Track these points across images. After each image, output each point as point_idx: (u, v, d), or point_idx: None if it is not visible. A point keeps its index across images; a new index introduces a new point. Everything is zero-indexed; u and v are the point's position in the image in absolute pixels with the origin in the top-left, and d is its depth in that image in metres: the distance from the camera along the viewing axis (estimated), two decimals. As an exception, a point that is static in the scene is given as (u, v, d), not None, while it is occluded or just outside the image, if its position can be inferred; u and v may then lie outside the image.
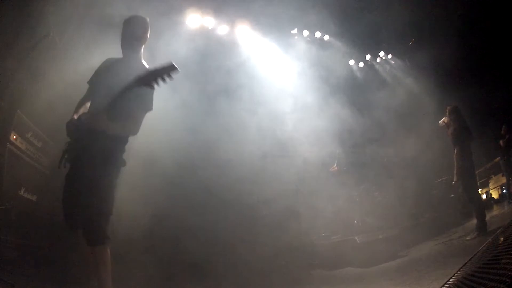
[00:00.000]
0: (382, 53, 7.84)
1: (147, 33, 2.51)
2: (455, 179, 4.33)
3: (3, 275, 2.64)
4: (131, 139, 2.41)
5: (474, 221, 4.34)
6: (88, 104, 2.41)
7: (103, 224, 2.26)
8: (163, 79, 2.03)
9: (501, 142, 6.15)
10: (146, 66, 2.46)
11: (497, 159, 7.52)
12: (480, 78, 6.69)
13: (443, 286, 2.15)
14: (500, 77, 6.41)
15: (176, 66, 2.00)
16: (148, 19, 2.52)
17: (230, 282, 4.05)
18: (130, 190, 4.24)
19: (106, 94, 2.15)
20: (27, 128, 3.75)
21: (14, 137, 3.49)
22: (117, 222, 4.44)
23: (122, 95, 2.10)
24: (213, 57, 6.11)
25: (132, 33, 2.42)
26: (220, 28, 6.24)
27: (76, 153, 2.29)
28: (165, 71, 2.02)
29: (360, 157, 6.99)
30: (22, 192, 3.56)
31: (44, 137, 4.08)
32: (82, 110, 2.39)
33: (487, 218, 4.25)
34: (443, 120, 4.61)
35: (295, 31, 6.94)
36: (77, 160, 2.28)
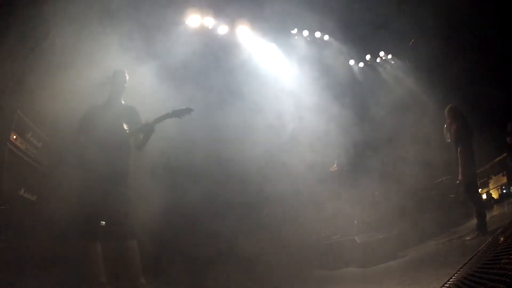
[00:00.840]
0: (382, 53, 7.85)
1: None
2: (459, 178, 4.22)
3: (3, 275, 2.64)
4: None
5: (474, 221, 4.34)
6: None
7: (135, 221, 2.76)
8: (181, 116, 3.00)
9: (508, 139, 6.11)
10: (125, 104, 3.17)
11: (497, 159, 7.53)
12: (481, 77, 6.69)
13: (443, 286, 2.15)
14: (501, 76, 6.40)
15: (191, 108, 2.99)
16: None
17: (230, 282, 4.06)
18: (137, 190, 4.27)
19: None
20: (27, 128, 3.75)
21: (14, 137, 3.49)
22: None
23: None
24: (213, 57, 6.12)
25: (123, 83, 3.20)
26: (220, 28, 6.24)
27: None
28: (185, 112, 3.01)
29: (360, 157, 6.99)
30: (22, 192, 3.56)
31: (44, 137, 4.08)
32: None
33: (487, 218, 4.25)
34: (446, 125, 4.53)
35: (295, 31, 6.94)
36: None
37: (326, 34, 7.09)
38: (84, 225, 2.66)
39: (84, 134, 2.99)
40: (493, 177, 8.46)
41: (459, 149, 4.21)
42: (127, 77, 3.24)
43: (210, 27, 6.16)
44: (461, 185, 4.35)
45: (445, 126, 4.53)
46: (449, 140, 4.38)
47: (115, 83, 3.17)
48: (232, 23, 6.26)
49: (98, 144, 2.85)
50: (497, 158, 7.58)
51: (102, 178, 2.76)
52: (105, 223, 2.63)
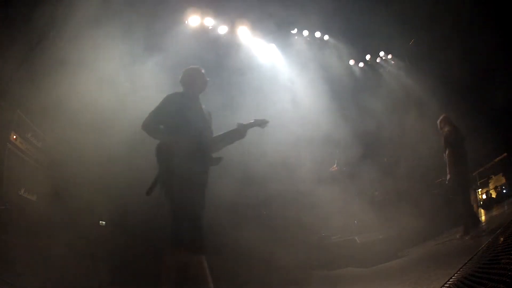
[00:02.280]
0: (382, 53, 7.85)
1: None
2: (448, 178, 4.46)
3: (3, 275, 2.64)
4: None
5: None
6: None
7: None
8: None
9: None
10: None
11: (497, 159, 7.52)
12: (481, 77, 6.69)
13: (443, 286, 2.15)
14: (501, 76, 6.40)
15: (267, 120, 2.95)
16: None
17: (229, 282, 4.05)
18: (137, 190, 4.26)
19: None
20: (27, 128, 3.75)
21: (14, 137, 3.49)
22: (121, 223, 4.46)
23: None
24: (213, 57, 6.11)
25: (199, 81, 2.87)
26: (220, 28, 6.24)
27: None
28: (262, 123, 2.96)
29: (360, 157, 6.99)
30: (22, 192, 3.55)
31: (44, 137, 4.08)
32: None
33: (487, 218, 4.27)
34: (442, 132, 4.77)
35: (295, 31, 6.94)
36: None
37: (326, 34, 7.09)
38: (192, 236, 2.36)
39: (168, 125, 2.59)
40: (493, 177, 8.44)
41: (447, 152, 4.44)
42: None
43: (210, 27, 6.16)
44: (450, 184, 4.53)
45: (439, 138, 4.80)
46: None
47: (195, 81, 2.83)
48: (232, 23, 6.26)
49: (191, 144, 2.49)
50: (497, 158, 7.57)
51: (202, 192, 2.53)
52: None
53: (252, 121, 2.92)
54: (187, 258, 2.32)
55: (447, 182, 4.58)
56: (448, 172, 4.43)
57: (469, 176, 4.81)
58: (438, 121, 4.80)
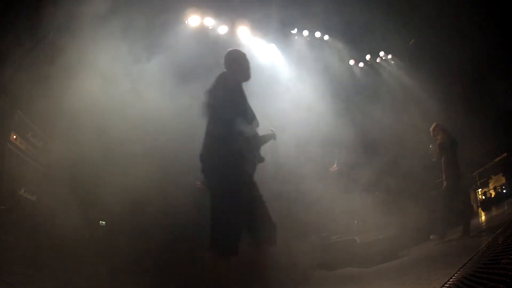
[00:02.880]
0: (382, 53, 7.84)
1: None
2: (444, 184, 4.72)
3: (3, 275, 2.64)
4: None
5: (475, 221, 4.38)
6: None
7: None
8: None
9: None
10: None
11: (497, 159, 7.51)
12: (481, 77, 6.69)
13: (443, 286, 2.15)
14: (501, 77, 6.40)
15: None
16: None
17: (229, 282, 4.05)
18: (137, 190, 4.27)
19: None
20: (27, 128, 3.75)
21: (14, 137, 3.49)
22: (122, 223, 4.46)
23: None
24: (213, 57, 6.10)
25: (247, 66, 2.67)
26: (220, 28, 6.24)
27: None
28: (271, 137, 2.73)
29: (360, 157, 6.98)
30: (22, 192, 3.56)
31: (44, 137, 4.08)
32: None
33: (487, 218, 4.29)
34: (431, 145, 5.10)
35: (295, 31, 6.94)
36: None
37: (326, 34, 7.08)
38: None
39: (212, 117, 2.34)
40: (493, 177, 8.45)
41: (443, 159, 4.69)
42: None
43: (210, 27, 6.16)
44: (446, 190, 4.76)
45: (430, 145, 5.13)
46: (434, 159, 4.95)
47: (244, 66, 2.65)
48: (232, 23, 6.26)
49: (246, 139, 2.30)
50: (497, 158, 7.57)
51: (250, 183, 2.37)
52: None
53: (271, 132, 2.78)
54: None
55: (444, 187, 4.79)
56: (444, 178, 4.68)
57: (464, 180, 5.05)
58: (431, 129, 5.05)
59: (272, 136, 2.76)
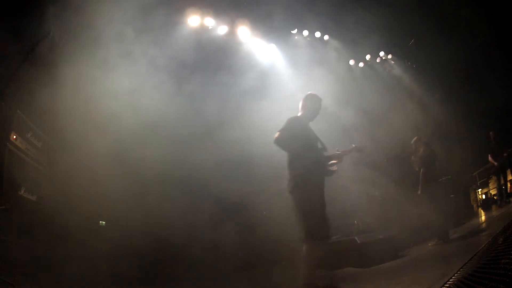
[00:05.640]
0: (382, 53, 7.84)
1: None
2: (419, 192, 5.04)
3: (3, 275, 2.64)
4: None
5: (474, 221, 4.39)
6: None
7: None
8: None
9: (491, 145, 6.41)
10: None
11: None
12: (481, 77, 6.69)
13: (443, 286, 2.15)
14: (501, 76, 6.40)
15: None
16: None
17: (229, 283, 4.06)
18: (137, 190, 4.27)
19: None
20: (27, 128, 3.75)
21: (14, 137, 3.49)
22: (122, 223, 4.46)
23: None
24: (213, 57, 6.11)
25: (318, 110, 3.35)
26: (220, 28, 6.24)
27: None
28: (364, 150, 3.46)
29: (360, 157, 6.99)
30: (22, 192, 3.56)
31: (44, 137, 4.08)
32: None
33: (486, 218, 4.29)
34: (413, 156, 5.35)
35: (295, 31, 6.94)
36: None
37: (326, 34, 7.08)
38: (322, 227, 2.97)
39: (294, 142, 3.07)
40: (493, 177, 8.45)
41: (421, 170, 5.05)
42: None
43: (210, 27, 6.16)
44: (420, 199, 5.06)
45: (412, 157, 5.36)
46: (417, 169, 5.19)
47: (315, 108, 3.32)
48: (232, 23, 6.26)
49: (317, 159, 3.10)
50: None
51: (322, 194, 3.11)
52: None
53: (356, 147, 3.39)
54: (322, 246, 2.97)
55: (418, 193, 5.10)
56: (419, 189, 5.03)
57: (441, 190, 5.40)
58: (412, 142, 5.36)
59: (341, 155, 3.33)
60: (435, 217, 4.62)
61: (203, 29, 6.08)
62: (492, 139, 6.37)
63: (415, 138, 5.41)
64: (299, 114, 3.30)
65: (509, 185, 6.51)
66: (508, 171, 6.43)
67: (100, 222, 4.73)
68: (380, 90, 7.40)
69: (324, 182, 3.16)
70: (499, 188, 6.52)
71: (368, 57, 7.79)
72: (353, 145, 3.40)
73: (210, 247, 4.85)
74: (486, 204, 7.47)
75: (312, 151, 3.12)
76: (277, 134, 3.09)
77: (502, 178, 6.34)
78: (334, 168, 3.37)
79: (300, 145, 3.07)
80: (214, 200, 5.32)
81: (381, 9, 6.15)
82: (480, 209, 7.69)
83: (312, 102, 3.33)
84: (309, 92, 3.38)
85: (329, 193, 3.27)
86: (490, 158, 6.45)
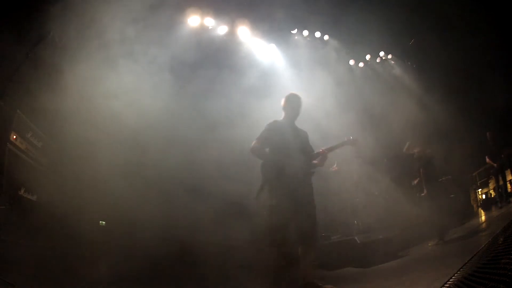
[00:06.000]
0: (382, 53, 7.84)
1: None
2: (424, 192, 5.17)
3: (3, 275, 2.64)
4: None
5: (474, 221, 4.40)
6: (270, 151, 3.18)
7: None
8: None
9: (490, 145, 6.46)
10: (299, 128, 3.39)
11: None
12: (481, 77, 6.69)
13: (443, 286, 2.15)
14: (501, 76, 6.40)
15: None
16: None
17: (229, 283, 4.05)
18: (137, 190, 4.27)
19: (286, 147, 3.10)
20: (27, 128, 3.75)
21: (14, 137, 3.49)
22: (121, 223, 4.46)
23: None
24: (213, 57, 6.11)
25: (298, 108, 3.35)
26: (220, 28, 6.24)
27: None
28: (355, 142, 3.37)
29: (360, 157, 6.99)
30: (22, 192, 3.55)
31: (44, 137, 4.08)
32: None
33: (486, 218, 4.30)
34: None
35: (295, 31, 6.94)
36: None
37: (326, 34, 7.08)
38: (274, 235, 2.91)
39: (270, 147, 3.13)
40: (493, 177, 8.45)
41: (421, 171, 5.23)
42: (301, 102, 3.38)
43: (210, 27, 6.16)
44: (420, 199, 5.28)
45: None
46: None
47: (293, 108, 3.31)
48: (232, 23, 6.26)
49: (287, 162, 3.01)
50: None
51: (293, 197, 2.96)
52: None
53: (345, 140, 3.36)
54: (283, 251, 2.88)
55: (422, 194, 5.24)
56: (424, 186, 5.11)
57: (441, 190, 5.49)
58: (404, 150, 5.59)
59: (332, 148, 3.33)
60: (435, 217, 4.63)
61: (203, 29, 6.08)
62: (489, 139, 6.35)
63: (406, 146, 5.57)
64: (282, 116, 3.31)
65: (509, 185, 6.51)
66: (508, 171, 6.43)
67: (100, 222, 4.72)
68: (380, 90, 7.40)
69: (299, 186, 3.04)
70: (497, 190, 6.51)
71: (368, 57, 7.79)
72: (346, 138, 3.37)
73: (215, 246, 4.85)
74: (486, 204, 7.46)
75: (286, 156, 3.04)
76: (253, 143, 3.10)
77: (501, 179, 6.33)
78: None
79: (274, 151, 3.07)
80: (215, 199, 5.31)
81: (381, 9, 6.15)
82: (480, 209, 7.69)
83: (291, 102, 3.32)
84: (289, 93, 3.38)
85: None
86: (487, 159, 6.45)
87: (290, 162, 3.03)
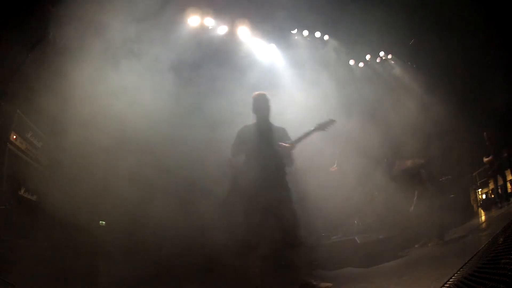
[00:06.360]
0: (382, 53, 7.84)
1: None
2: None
3: (3, 275, 2.64)
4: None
5: (474, 221, 4.40)
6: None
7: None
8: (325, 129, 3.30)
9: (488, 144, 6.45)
10: (274, 124, 3.42)
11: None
12: (481, 77, 6.69)
13: (443, 286, 2.15)
14: (501, 76, 6.40)
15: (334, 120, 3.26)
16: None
17: (229, 283, 4.06)
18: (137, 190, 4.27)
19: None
20: (27, 128, 3.75)
21: (14, 137, 3.49)
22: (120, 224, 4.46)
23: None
24: (213, 57, 6.11)
25: (268, 105, 3.39)
26: (220, 28, 6.24)
27: None
28: (329, 124, 3.32)
29: (360, 157, 6.99)
30: (22, 192, 3.55)
31: (44, 137, 4.08)
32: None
33: (486, 218, 4.30)
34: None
35: (295, 31, 6.94)
36: None
37: (326, 34, 7.08)
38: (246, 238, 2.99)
39: (243, 154, 3.21)
40: (491, 177, 8.45)
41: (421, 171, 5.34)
42: (269, 98, 3.42)
43: (210, 27, 6.16)
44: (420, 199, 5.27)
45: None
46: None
47: (260, 109, 3.36)
48: (232, 23, 6.26)
49: (258, 165, 3.09)
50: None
51: (265, 198, 3.02)
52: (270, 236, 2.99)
53: (313, 128, 3.33)
54: (257, 255, 2.95)
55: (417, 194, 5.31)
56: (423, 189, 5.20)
57: (441, 190, 5.61)
58: (395, 168, 5.70)
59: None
60: (435, 217, 4.64)
61: (203, 29, 6.08)
62: (486, 139, 6.35)
63: (396, 165, 5.71)
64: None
65: (509, 185, 6.51)
66: (508, 171, 6.43)
67: (100, 222, 4.72)
68: (380, 90, 7.40)
69: (271, 188, 3.06)
70: (496, 190, 6.51)
71: (368, 57, 7.79)
72: (316, 124, 3.33)
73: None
74: (486, 204, 7.47)
75: (255, 160, 3.10)
76: (231, 150, 3.24)
77: (500, 179, 6.33)
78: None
79: (246, 157, 3.15)
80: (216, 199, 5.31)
81: (381, 9, 6.15)
82: (480, 209, 7.70)
83: (257, 103, 3.37)
84: (254, 93, 3.42)
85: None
86: (485, 160, 6.44)
87: (259, 166, 3.07)
